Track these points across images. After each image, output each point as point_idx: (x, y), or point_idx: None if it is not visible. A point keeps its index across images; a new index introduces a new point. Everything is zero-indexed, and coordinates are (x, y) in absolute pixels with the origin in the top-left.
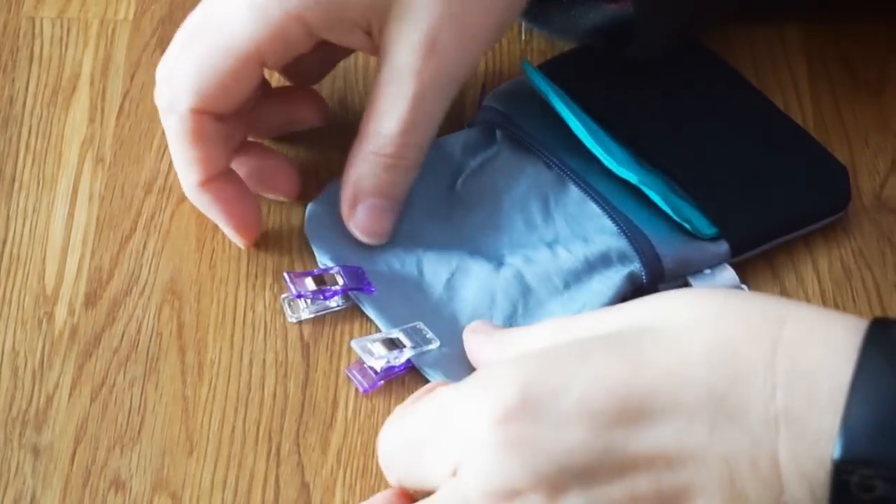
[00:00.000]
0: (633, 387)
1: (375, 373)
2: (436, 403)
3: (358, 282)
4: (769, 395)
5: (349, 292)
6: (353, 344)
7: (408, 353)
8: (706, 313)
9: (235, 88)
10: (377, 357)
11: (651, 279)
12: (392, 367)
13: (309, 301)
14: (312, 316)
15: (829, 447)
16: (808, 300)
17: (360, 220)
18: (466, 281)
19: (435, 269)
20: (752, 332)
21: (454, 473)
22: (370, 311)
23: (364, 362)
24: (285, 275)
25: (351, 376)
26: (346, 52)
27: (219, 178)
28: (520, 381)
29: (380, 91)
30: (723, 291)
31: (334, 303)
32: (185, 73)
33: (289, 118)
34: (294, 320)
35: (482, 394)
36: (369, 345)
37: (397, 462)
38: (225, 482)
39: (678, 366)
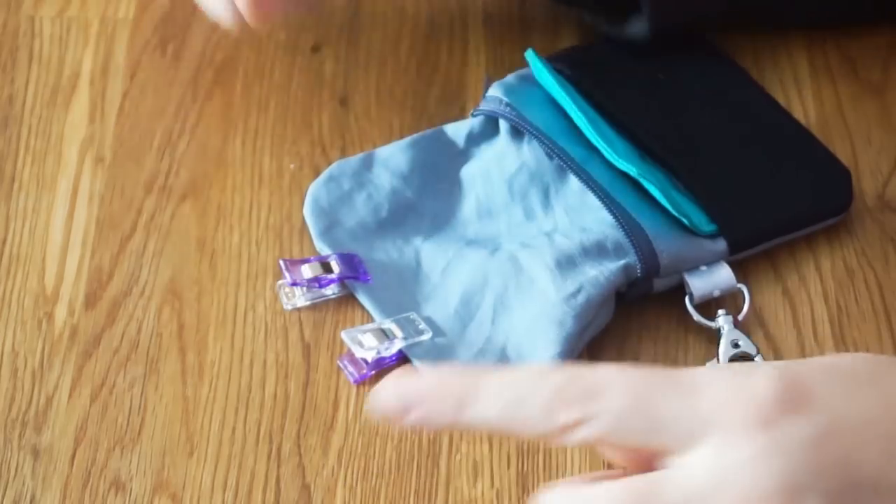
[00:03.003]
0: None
1: (366, 363)
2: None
3: (354, 270)
4: None
5: (344, 280)
6: (344, 335)
7: (399, 345)
8: None
9: None
10: (367, 348)
11: (646, 273)
12: (383, 358)
13: (305, 289)
14: (308, 303)
15: None
16: (810, 300)
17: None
18: (461, 267)
19: (433, 258)
20: None
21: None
22: (364, 300)
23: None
24: (281, 262)
25: (342, 367)
26: None
27: None
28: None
29: None
30: None
31: (330, 291)
32: None
33: None
34: (289, 308)
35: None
36: (360, 336)
37: (613, 404)
38: (225, 483)
39: None
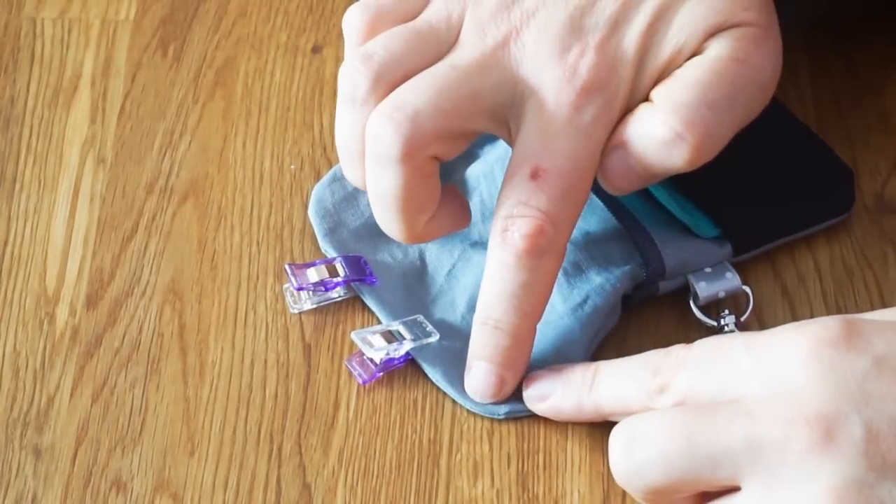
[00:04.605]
0: None
1: (375, 365)
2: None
3: (360, 272)
4: None
5: (351, 283)
6: (353, 335)
7: (407, 346)
8: None
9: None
10: (377, 349)
11: (652, 276)
12: (391, 360)
13: (311, 292)
14: (315, 306)
15: None
16: (810, 300)
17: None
18: (467, 270)
19: (437, 259)
20: None
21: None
22: (371, 303)
23: (363, 354)
24: (286, 266)
25: (350, 368)
26: None
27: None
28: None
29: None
30: None
31: (336, 293)
32: (424, 99)
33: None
34: (296, 311)
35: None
36: (369, 336)
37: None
38: (226, 483)
39: None
